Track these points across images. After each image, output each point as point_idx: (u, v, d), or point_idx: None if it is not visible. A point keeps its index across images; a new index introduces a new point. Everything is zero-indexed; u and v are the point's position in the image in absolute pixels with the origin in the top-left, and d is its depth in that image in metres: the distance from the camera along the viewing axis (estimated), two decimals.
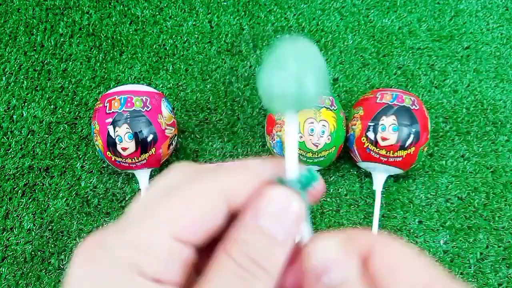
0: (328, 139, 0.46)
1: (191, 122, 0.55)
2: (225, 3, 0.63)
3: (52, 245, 0.50)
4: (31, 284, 0.48)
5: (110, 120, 0.45)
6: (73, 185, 0.52)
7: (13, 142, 0.54)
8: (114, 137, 0.45)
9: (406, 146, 0.45)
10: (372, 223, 0.49)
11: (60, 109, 0.56)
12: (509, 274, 0.48)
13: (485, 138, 0.54)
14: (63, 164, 0.53)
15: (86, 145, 0.54)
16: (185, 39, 0.60)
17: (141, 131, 0.45)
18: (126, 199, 0.52)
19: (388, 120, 0.46)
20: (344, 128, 0.49)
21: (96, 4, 0.63)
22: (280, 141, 0.47)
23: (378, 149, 0.46)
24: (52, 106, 0.56)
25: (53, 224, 0.51)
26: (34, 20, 0.62)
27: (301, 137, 0.46)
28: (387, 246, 0.16)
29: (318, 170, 0.53)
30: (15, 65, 0.59)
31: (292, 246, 0.15)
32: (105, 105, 0.46)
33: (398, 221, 0.50)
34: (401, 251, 0.16)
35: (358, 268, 0.15)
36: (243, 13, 0.62)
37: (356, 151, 0.48)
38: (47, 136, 0.55)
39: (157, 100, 0.47)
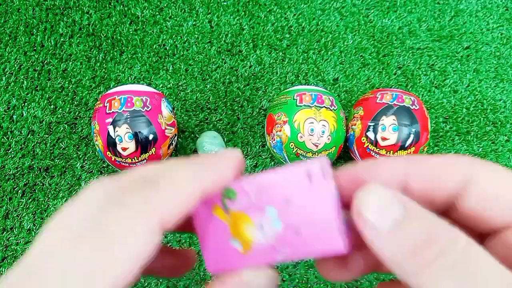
0: (328, 139, 0.46)
1: (191, 122, 0.55)
2: (225, 3, 0.62)
3: None
4: None
5: (110, 120, 0.45)
6: (73, 185, 0.52)
7: (13, 142, 0.54)
8: (114, 137, 0.45)
9: (406, 146, 0.45)
10: None
11: (60, 109, 0.56)
12: None
13: (485, 138, 0.54)
14: (63, 164, 0.53)
15: (86, 145, 0.54)
16: (185, 39, 0.60)
17: (141, 131, 0.45)
18: None
19: (388, 120, 0.46)
20: (344, 128, 0.48)
21: (96, 4, 0.63)
22: (280, 141, 0.47)
23: (378, 149, 0.46)
24: (52, 106, 0.56)
25: None
26: (34, 20, 0.62)
27: (301, 137, 0.46)
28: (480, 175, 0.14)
29: None
30: (15, 65, 0.59)
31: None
32: (105, 105, 0.46)
33: None
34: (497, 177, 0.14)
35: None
36: (243, 13, 0.62)
37: (356, 151, 0.48)
38: (47, 136, 0.55)
39: (157, 100, 0.47)
